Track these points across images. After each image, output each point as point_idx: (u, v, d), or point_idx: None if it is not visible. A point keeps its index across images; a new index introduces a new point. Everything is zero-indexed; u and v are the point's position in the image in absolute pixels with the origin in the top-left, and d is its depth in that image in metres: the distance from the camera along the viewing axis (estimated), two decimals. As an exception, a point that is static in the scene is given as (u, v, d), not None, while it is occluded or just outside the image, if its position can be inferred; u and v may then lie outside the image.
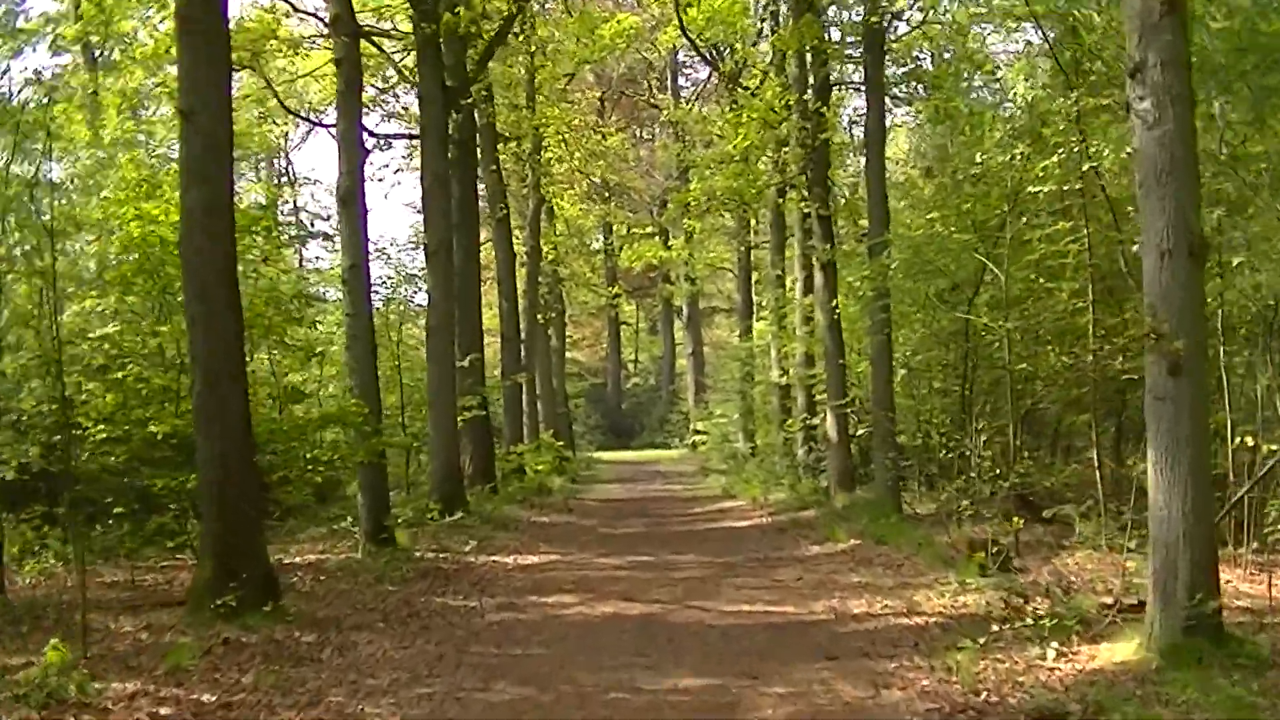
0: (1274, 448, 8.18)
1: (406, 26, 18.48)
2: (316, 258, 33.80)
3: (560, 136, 27.45)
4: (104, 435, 11.46)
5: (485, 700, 6.75)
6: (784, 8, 19.37)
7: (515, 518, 17.51)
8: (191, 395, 9.32)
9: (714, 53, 23.50)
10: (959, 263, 14.55)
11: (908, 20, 17.84)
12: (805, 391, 20.19)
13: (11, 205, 11.48)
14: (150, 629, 8.33)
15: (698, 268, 37.25)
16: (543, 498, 21.12)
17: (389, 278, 20.80)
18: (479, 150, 21.73)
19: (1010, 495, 11.31)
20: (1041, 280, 13.23)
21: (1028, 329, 14.11)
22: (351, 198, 14.06)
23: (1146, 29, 7.03)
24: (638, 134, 42.59)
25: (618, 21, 22.76)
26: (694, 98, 36.77)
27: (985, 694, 6.37)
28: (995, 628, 7.61)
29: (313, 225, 27.62)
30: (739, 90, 20.79)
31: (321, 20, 17.43)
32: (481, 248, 23.81)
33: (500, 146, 24.32)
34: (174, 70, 11.28)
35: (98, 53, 22.23)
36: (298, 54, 20.20)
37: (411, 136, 22.95)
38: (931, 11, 17.65)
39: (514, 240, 27.39)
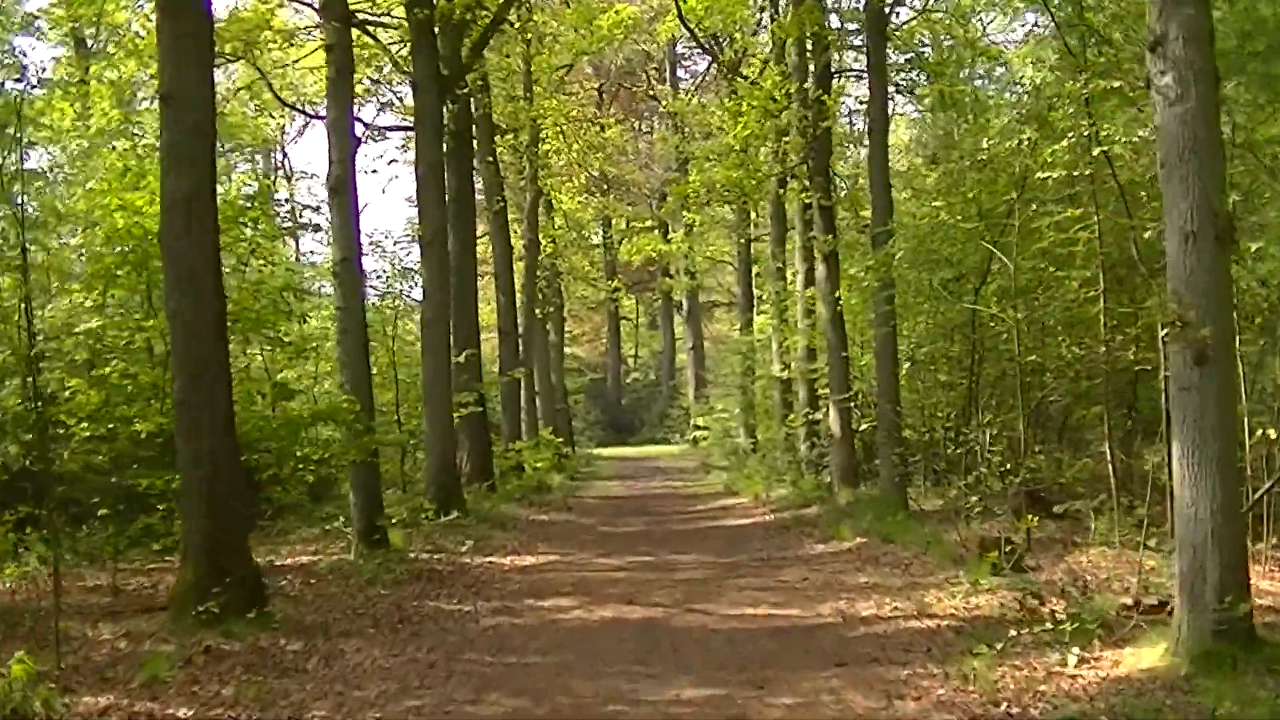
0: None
1: (401, 14, 18.13)
2: (311, 251, 33.49)
3: (558, 128, 27.09)
4: (88, 433, 11.21)
5: (476, 714, 6.41)
6: (784, -6, 19.05)
7: (513, 516, 17.20)
8: (173, 389, 8.99)
9: (713, 42, 23.15)
10: (965, 252, 14.27)
11: (910, 5, 17.56)
12: (807, 386, 19.83)
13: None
14: (130, 636, 8.03)
15: (698, 261, 36.95)
16: (541, 495, 20.84)
17: (384, 271, 20.47)
18: (475, 142, 21.40)
19: (1020, 491, 10.99)
20: (1050, 269, 12.88)
21: (1036, 319, 13.83)
22: (343, 187, 13.74)
23: (1168, 2, 6.73)
24: (636, 126, 42.19)
25: (616, 11, 22.38)
26: (693, 89, 36.43)
27: (1005, 704, 6.02)
28: (1012, 631, 7.34)
29: (300, 215, 27.13)
30: (739, 80, 20.44)
31: (312, 7, 17.08)
32: (479, 241, 23.46)
33: (497, 138, 24.00)
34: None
35: (90, 42, 21.92)
36: (291, 45, 19.88)
37: (406, 128, 22.63)
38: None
39: (511, 234, 27.09)
